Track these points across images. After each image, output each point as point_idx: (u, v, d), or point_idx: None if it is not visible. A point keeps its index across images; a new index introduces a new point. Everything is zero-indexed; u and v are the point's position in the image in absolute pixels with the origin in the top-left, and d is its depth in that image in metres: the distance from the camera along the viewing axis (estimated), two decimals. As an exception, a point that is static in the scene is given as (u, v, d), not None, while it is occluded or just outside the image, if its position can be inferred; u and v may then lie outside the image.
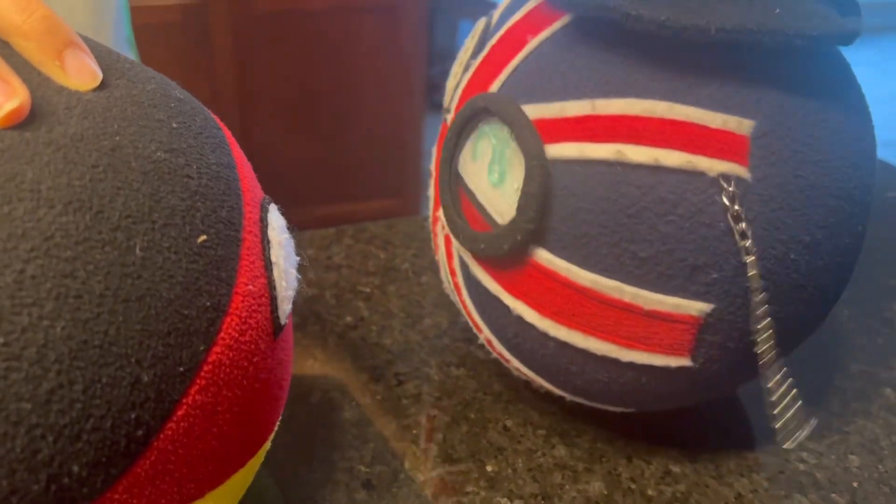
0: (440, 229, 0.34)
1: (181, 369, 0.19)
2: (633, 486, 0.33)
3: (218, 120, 0.26)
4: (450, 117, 0.33)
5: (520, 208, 0.27)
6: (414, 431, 0.35)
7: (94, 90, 0.21)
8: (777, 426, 0.29)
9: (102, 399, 0.18)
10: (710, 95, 0.25)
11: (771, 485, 0.33)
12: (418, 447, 0.35)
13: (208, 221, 0.21)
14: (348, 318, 0.42)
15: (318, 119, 1.41)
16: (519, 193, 0.27)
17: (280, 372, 0.24)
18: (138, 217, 0.19)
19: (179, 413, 0.19)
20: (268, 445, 0.25)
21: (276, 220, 0.25)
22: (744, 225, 0.25)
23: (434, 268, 0.46)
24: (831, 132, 0.27)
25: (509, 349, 0.32)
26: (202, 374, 0.20)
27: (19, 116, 0.19)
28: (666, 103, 0.25)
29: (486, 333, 0.33)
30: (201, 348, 0.20)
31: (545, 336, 0.29)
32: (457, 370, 0.39)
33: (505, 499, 0.32)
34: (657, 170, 0.25)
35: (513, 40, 0.30)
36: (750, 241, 0.25)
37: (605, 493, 0.33)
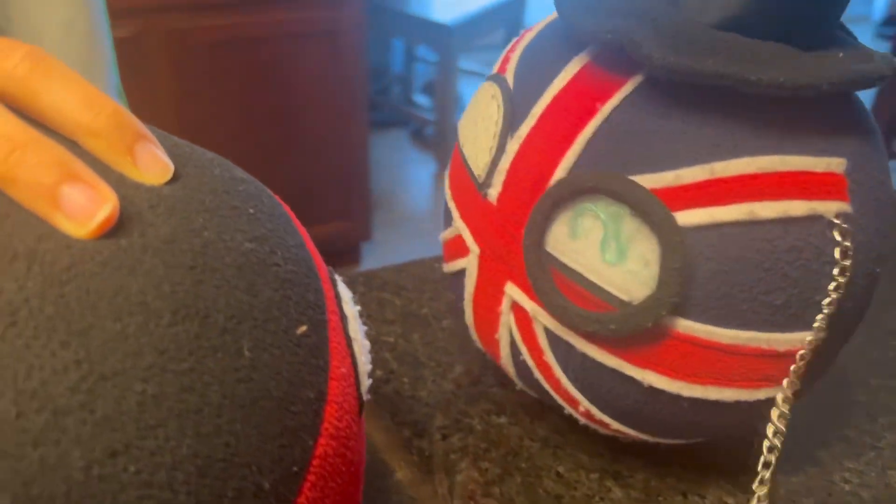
0: (507, 309, 0.32)
1: (295, 469, 0.19)
2: (694, 525, 0.33)
3: (275, 195, 0.25)
4: (494, 193, 0.32)
5: (662, 283, 0.26)
6: (470, 487, 0.34)
7: (168, 183, 0.20)
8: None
9: None
10: (809, 143, 0.27)
11: (822, 510, 0.34)
12: None
13: (300, 309, 0.20)
14: (379, 372, 0.40)
15: (263, 146, 1.38)
16: (651, 268, 0.27)
17: (363, 448, 0.24)
18: (241, 316, 0.18)
19: None
20: None
21: (346, 293, 0.24)
22: (849, 258, 0.27)
23: (455, 310, 0.45)
24: (880, 153, 0.30)
25: (616, 416, 0.31)
26: (312, 469, 0.19)
27: (111, 223, 0.18)
28: (778, 157, 0.26)
29: (584, 406, 0.32)
30: (310, 443, 0.19)
31: (677, 398, 0.29)
32: (498, 418, 0.38)
33: (584, 551, 0.32)
34: (785, 221, 0.26)
35: (575, 108, 0.29)
36: (847, 271, 0.27)
37: (668, 531, 0.33)
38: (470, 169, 0.33)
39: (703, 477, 0.36)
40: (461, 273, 0.35)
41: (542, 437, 0.37)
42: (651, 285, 0.27)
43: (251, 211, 0.21)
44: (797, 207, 0.26)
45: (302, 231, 0.24)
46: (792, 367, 0.28)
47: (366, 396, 0.23)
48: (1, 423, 0.15)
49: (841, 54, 0.27)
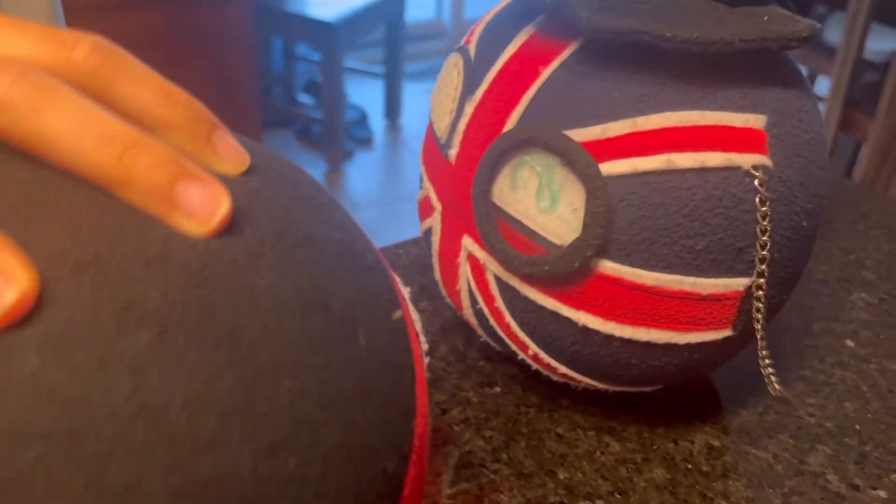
0: (464, 260, 0.35)
1: (405, 449, 0.19)
2: (689, 467, 0.36)
3: None
4: (453, 153, 0.34)
5: (586, 227, 0.29)
6: (480, 455, 0.36)
7: (248, 174, 0.19)
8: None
9: (364, 501, 0.17)
10: (729, 99, 0.29)
11: (796, 441, 0.38)
12: (489, 469, 0.36)
13: (388, 294, 0.20)
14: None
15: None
16: (579, 214, 0.29)
17: None
18: (352, 304, 0.18)
19: (406, 492, 0.19)
20: None
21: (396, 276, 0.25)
22: (767, 206, 0.29)
23: (429, 293, 0.47)
24: (808, 113, 0.31)
25: (560, 358, 0.34)
26: (414, 449, 0.19)
27: (228, 220, 0.17)
28: (697, 112, 0.29)
29: (532, 349, 0.34)
30: (412, 423, 0.19)
31: (610, 338, 0.31)
32: (491, 389, 0.41)
33: (587, 501, 0.34)
34: (702, 171, 0.29)
35: (521, 72, 0.32)
36: (768, 220, 0.29)
37: (669, 476, 0.35)
38: (435, 133, 0.37)
39: (690, 424, 0.38)
40: (430, 231, 0.38)
41: (536, 404, 0.39)
42: (578, 229, 0.29)
43: (323, 200, 0.20)
44: (714, 158, 0.28)
45: None
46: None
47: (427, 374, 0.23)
48: (174, 431, 0.15)
49: (766, 17, 0.29)
